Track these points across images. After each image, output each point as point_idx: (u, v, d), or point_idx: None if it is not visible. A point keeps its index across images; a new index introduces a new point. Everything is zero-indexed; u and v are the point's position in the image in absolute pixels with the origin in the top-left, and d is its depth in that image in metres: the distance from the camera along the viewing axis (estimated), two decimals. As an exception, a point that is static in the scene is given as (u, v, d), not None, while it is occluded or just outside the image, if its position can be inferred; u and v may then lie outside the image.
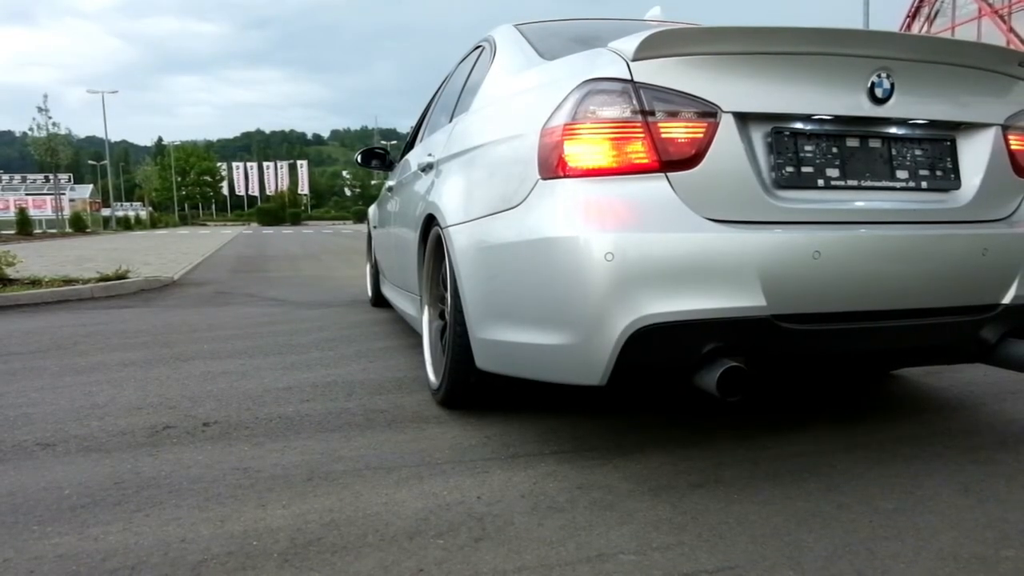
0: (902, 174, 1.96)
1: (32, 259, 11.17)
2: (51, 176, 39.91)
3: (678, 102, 1.80)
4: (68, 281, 7.25)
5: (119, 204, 60.26)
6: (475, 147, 2.40)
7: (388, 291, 4.60)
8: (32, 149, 33.94)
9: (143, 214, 55.69)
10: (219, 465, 2.16)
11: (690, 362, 1.77)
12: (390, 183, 4.45)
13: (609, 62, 1.84)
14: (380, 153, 4.74)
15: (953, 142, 2.02)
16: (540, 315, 1.92)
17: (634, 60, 1.79)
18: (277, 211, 51.38)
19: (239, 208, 75.87)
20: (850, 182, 1.91)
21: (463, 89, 3.07)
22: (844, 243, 1.81)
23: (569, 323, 1.81)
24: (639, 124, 1.78)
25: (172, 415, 2.71)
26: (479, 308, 2.20)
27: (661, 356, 1.79)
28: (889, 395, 2.85)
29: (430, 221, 2.74)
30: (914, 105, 1.94)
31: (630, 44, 1.79)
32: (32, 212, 36.65)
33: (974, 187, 2.01)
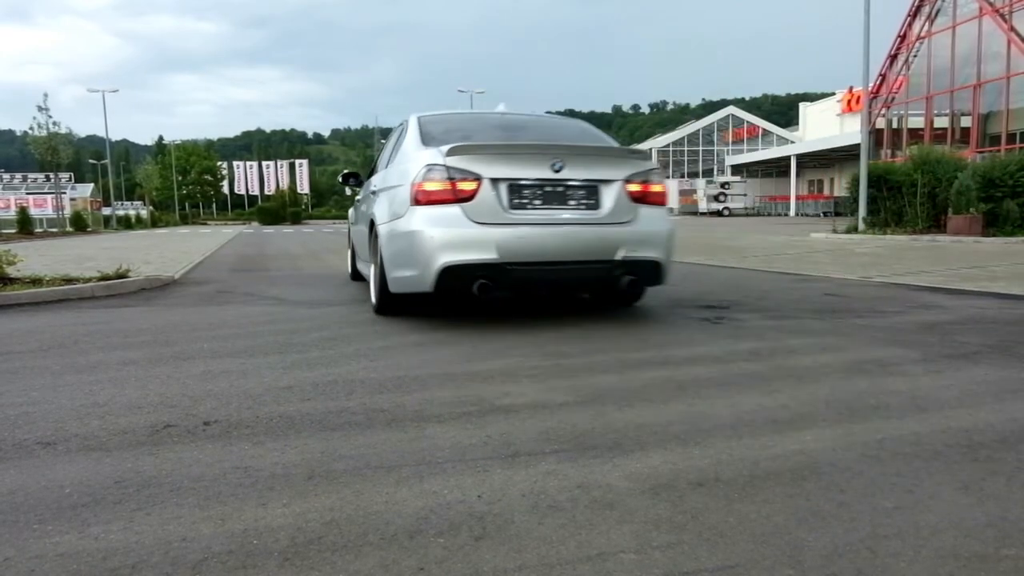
0: (571, 203, 4.27)
1: (33, 258, 11.17)
2: (52, 175, 39.87)
3: (464, 174, 4.09)
4: (69, 280, 7.25)
5: (120, 203, 60.26)
6: (389, 187, 4.76)
7: (359, 263, 6.77)
8: (33, 148, 33.91)
9: (144, 213, 55.66)
10: (220, 464, 2.16)
11: (466, 281, 4.04)
12: (359, 197, 6.79)
13: (437, 155, 4.15)
14: (355, 174, 7.19)
15: (597, 188, 4.31)
16: (409, 263, 4.21)
17: (446, 156, 4.10)
18: (278, 210, 51.30)
19: (240, 207, 75.85)
20: (545, 206, 4.21)
21: (392, 149, 5.50)
22: (536, 231, 4.10)
23: (419, 265, 4.11)
24: (448, 183, 4.09)
25: (173, 414, 2.71)
26: (388, 261, 4.49)
27: (454, 279, 4.06)
28: (889, 395, 2.85)
29: (372, 221, 4.99)
30: (575, 172, 4.25)
31: (445, 148, 4.10)
32: (33, 211, 36.65)
33: (608, 208, 4.30)
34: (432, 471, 2.08)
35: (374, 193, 5.27)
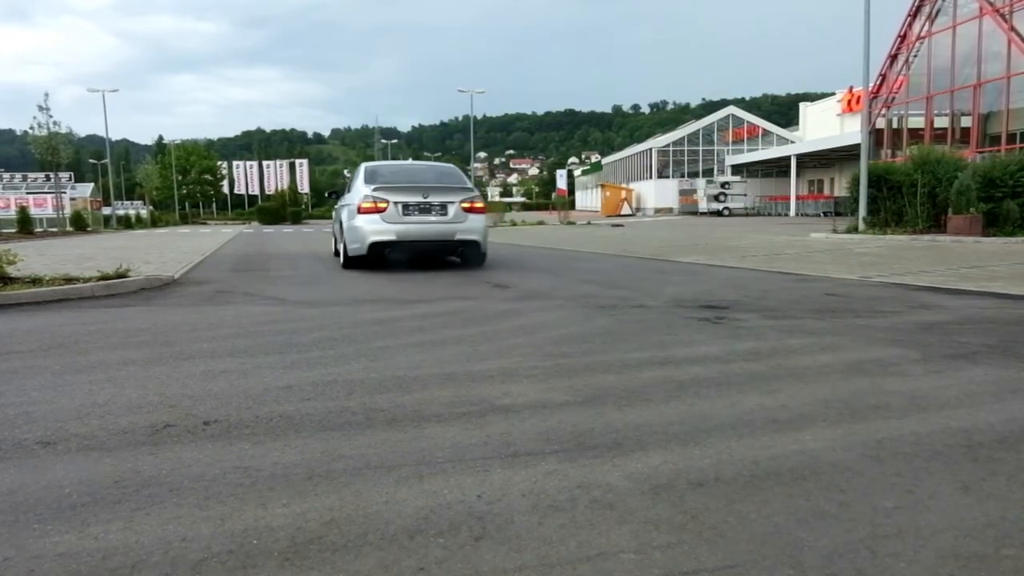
0: (433, 213, 8.83)
1: (33, 258, 11.17)
2: (52, 175, 39.83)
3: (381, 199, 8.80)
4: (69, 280, 7.25)
5: (120, 203, 60.20)
6: (348, 204, 9.42)
7: (338, 245, 10.53)
8: (33, 148, 33.85)
9: (144, 213, 55.61)
10: (220, 464, 2.16)
11: (382, 250, 8.82)
12: (337, 205, 11.35)
13: (369, 189, 8.87)
14: (338, 191, 11.93)
15: (446, 205, 8.87)
16: (356, 241, 8.89)
17: (373, 191, 8.85)
18: (278, 210, 51.25)
19: (240, 207, 75.81)
20: (420, 215, 8.83)
21: (351, 182, 10.43)
22: (415, 226, 8.80)
23: (361, 242, 8.81)
24: (373, 203, 8.76)
25: (173, 414, 2.71)
26: (348, 241, 9.18)
27: (377, 249, 8.77)
28: (889, 395, 2.85)
29: (341, 221, 10.03)
30: (434, 198, 8.88)
31: (372, 187, 8.91)
32: (33, 211, 36.57)
33: (452, 215, 8.85)
34: (432, 471, 2.08)
35: (341, 207, 10.33)
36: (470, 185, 9.48)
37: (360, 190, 8.94)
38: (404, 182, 9.17)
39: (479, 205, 9.09)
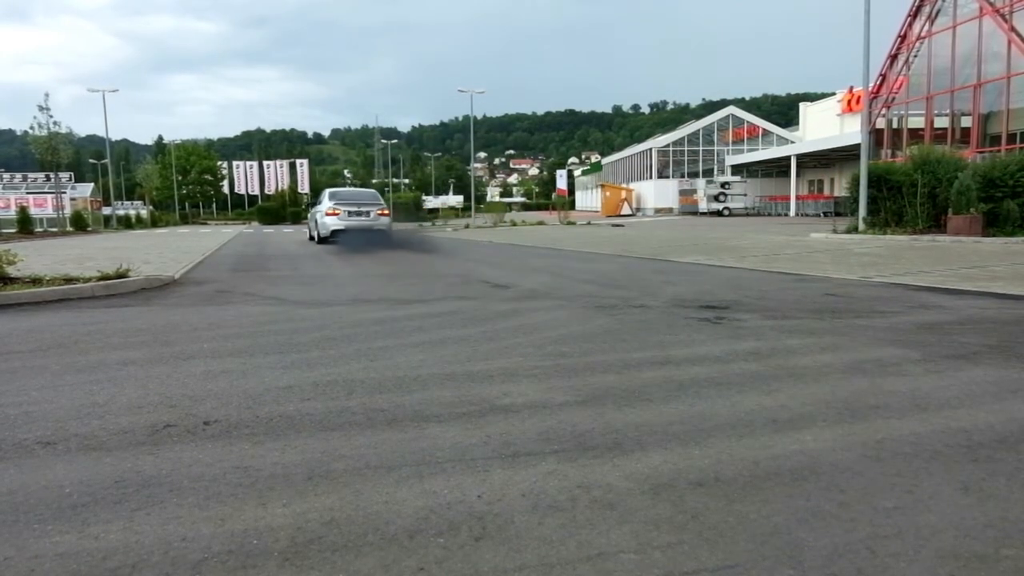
0: (364, 215, 17.20)
1: (33, 258, 11.17)
2: (52, 175, 39.84)
3: (336, 208, 17.48)
4: (69, 280, 7.25)
5: (120, 203, 60.12)
6: (320, 210, 17.99)
7: (312, 233, 18.99)
8: (33, 148, 33.83)
9: (144, 213, 55.59)
10: (220, 464, 2.16)
11: (336, 235, 17.01)
12: (311, 211, 21.18)
13: (332, 204, 17.48)
14: (318, 200, 20.04)
15: (370, 211, 17.46)
16: (323, 229, 17.25)
17: (333, 204, 17.50)
18: (278, 210, 51.22)
19: (240, 207, 75.79)
20: (357, 215, 17.16)
21: (320, 198, 19.70)
22: (353, 221, 17.09)
23: (326, 230, 17.12)
24: (334, 210, 17.28)
25: (173, 414, 2.71)
26: (319, 229, 17.65)
27: (333, 234, 16.97)
28: (889, 395, 2.85)
29: (316, 219, 18.59)
30: (363, 208, 17.42)
31: (333, 202, 17.67)
32: (33, 211, 36.56)
33: (372, 217, 17.28)
34: (432, 471, 2.08)
35: (314, 212, 19.04)
36: (382, 202, 18.24)
37: (326, 203, 17.38)
38: (349, 199, 17.66)
39: (386, 211, 17.55)
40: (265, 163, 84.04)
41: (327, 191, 18.67)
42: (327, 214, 16.77)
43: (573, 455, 2.19)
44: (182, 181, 64.44)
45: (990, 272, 7.54)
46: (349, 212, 16.67)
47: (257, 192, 79.85)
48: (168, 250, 14.72)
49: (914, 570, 1.48)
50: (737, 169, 47.83)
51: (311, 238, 18.83)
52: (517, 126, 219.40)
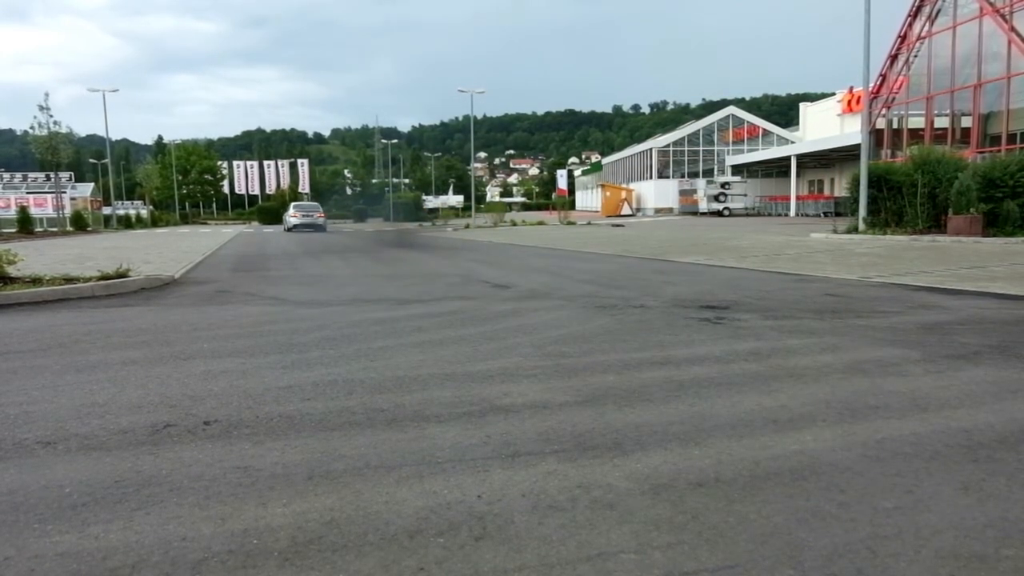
0: (311, 217, 33.71)
1: (33, 257, 11.16)
2: (52, 174, 39.88)
3: (296, 211, 35.28)
4: (69, 279, 7.25)
5: (120, 203, 60.10)
6: (290, 213, 35.19)
7: (284, 226, 35.28)
8: (33, 147, 33.84)
9: (144, 213, 55.61)
10: (220, 463, 2.16)
11: (296, 228, 33.15)
12: (285, 213, 38.05)
13: (293, 209, 35.54)
14: (288, 207, 38.17)
15: (313, 214, 34.94)
16: (289, 223, 33.43)
17: (293, 209, 35.71)
18: (278, 210, 51.17)
19: (240, 207, 75.78)
20: (307, 216, 33.85)
21: (289, 207, 38.28)
22: (303, 220, 33.72)
23: (290, 225, 33.25)
24: (296, 213, 34.72)
25: (173, 413, 2.71)
26: (288, 223, 33.88)
27: (293, 227, 32.80)
28: (889, 395, 2.85)
29: (286, 217, 35.88)
30: (312, 212, 35.07)
31: (294, 209, 35.96)
32: (33, 210, 36.57)
33: (315, 217, 34.07)
34: (432, 471, 2.08)
35: (285, 213, 36.23)
36: (320, 208, 35.01)
37: (291, 209, 34.04)
38: (303, 208, 34.01)
39: (323, 214, 33.72)
40: (265, 163, 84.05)
41: (292, 204, 36.16)
42: (291, 215, 32.76)
43: (573, 455, 2.19)
44: (182, 181, 64.44)
45: (990, 272, 7.54)
46: (303, 214, 32.63)
47: (257, 192, 79.85)
48: (168, 250, 14.72)
49: (914, 570, 1.48)
50: (737, 169, 47.83)
51: (286, 229, 32.28)
52: (517, 126, 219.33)
